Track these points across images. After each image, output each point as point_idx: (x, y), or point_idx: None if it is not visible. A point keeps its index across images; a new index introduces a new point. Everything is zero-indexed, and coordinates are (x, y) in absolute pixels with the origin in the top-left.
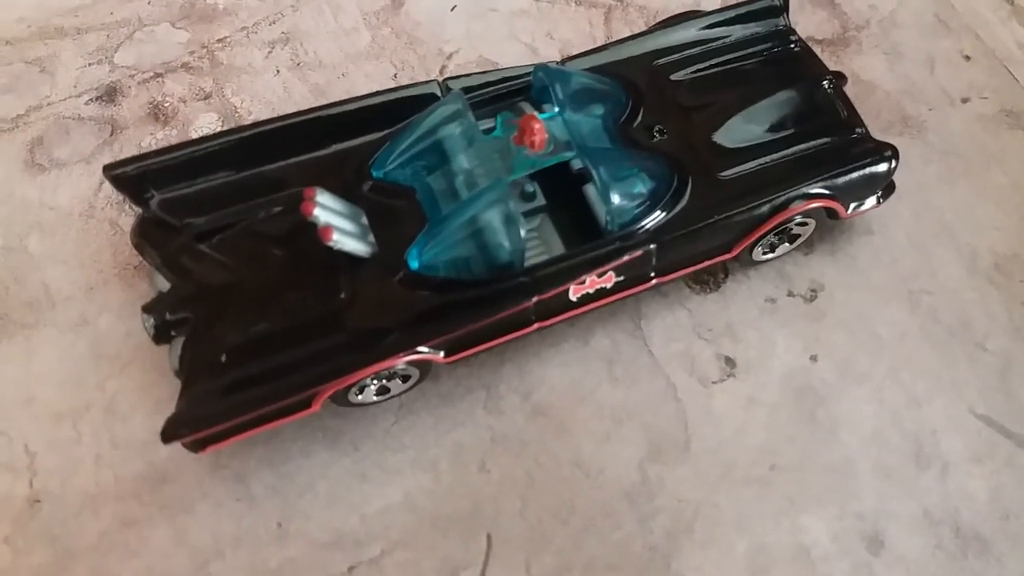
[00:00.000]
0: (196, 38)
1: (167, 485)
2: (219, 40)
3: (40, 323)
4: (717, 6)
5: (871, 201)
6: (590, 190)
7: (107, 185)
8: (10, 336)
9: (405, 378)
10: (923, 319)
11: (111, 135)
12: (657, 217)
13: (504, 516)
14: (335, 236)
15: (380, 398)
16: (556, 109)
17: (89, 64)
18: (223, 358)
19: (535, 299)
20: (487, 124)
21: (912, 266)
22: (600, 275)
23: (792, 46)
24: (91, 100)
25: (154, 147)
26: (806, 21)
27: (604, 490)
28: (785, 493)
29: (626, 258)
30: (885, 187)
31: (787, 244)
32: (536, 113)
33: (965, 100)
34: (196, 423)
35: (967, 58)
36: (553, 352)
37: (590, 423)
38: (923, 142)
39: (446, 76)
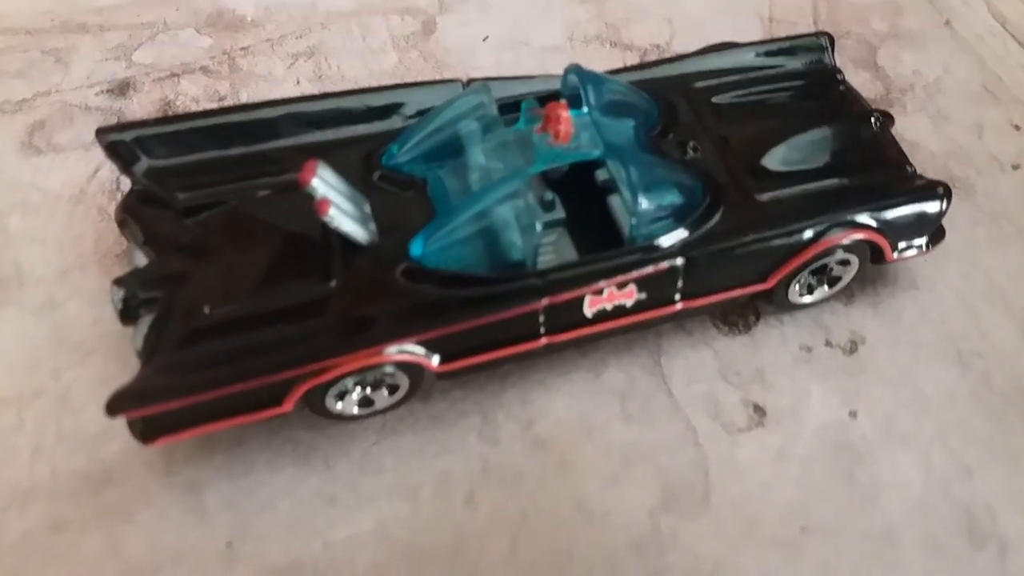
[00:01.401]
0: (219, 44)
1: (109, 487)
2: (242, 48)
3: (4, 302)
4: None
5: (919, 245)
6: (615, 201)
7: (102, 172)
8: None
9: (392, 389)
10: (974, 383)
11: None
12: (686, 231)
13: (490, 557)
14: (331, 211)
15: (362, 411)
16: (586, 109)
17: (106, 59)
18: (190, 335)
19: (546, 301)
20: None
21: (961, 326)
22: (620, 287)
23: (838, 84)
24: (102, 92)
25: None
26: (849, 80)
27: (608, 538)
28: (818, 558)
29: (650, 270)
30: (934, 232)
31: (826, 287)
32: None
33: (1016, 167)
34: (147, 397)
35: (1016, 128)
36: (561, 381)
37: (597, 462)
38: (971, 204)
39: (471, 78)
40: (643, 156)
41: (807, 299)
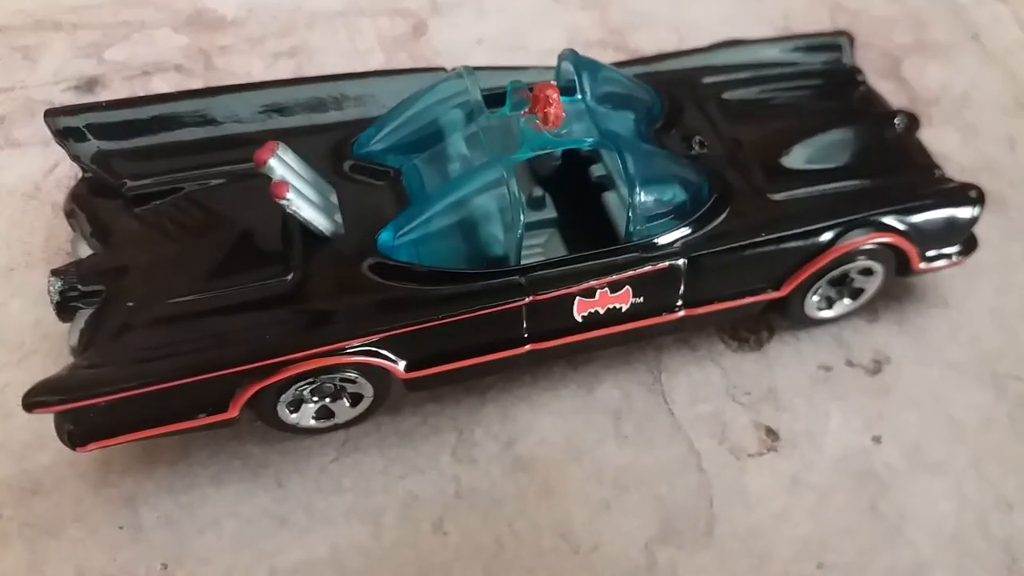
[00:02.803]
0: (195, 43)
1: (37, 498)
2: (220, 47)
3: None
4: None
5: (949, 254)
6: (610, 198)
7: (60, 168)
8: None
9: (355, 399)
10: (1012, 407)
11: None
12: (689, 229)
13: None
14: (289, 195)
15: (320, 423)
16: (580, 96)
17: (76, 57)
18: (127, 328)
19: (529, 300)
20: None
21: (996, 347)
22: (614, 289)
23: (858, 84)
24: (68, 88)
25: None
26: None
27: (596, 572)
28: None
29: (647, 269)
30: (966, 240)
31: (847, 300)
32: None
33: None
34: (69, 391)
35: None
36: (548, 397)
37: (586, 487)
38: (1005, 218)
39: (455, 66)
40: (642, 147)
41: (826, 313)
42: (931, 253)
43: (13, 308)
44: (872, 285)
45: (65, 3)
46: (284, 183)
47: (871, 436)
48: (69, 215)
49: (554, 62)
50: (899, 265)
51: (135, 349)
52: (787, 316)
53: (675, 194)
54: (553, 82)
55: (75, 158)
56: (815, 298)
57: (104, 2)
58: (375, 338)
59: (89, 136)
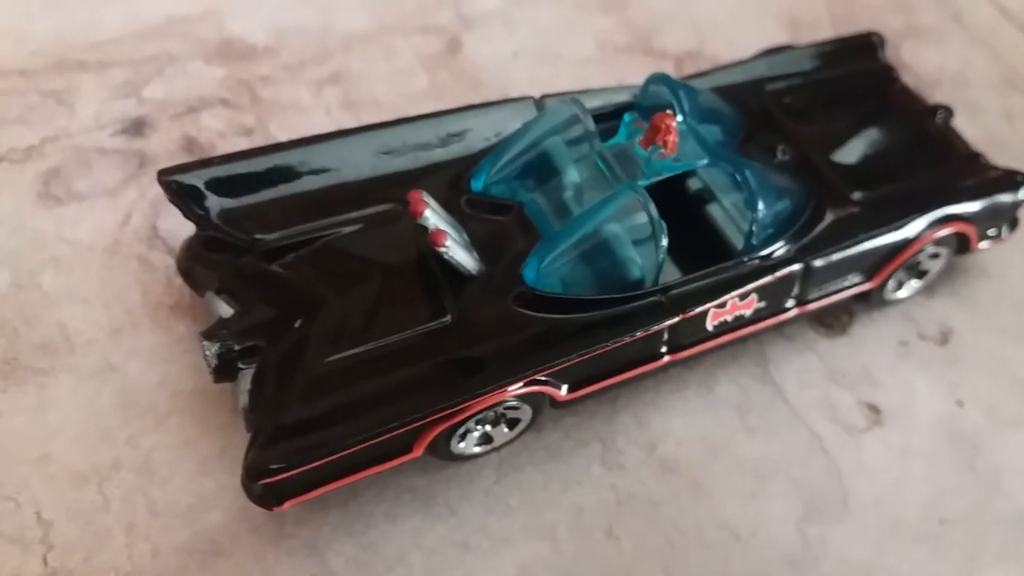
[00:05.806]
0: (233, 74)
1: (221, 560)
2: (261, 77)
3: (56, 369)
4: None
5: (998, 233)
6: (715, 210)
7: (134, 219)
8: (20, 383)
9: (512, 423)
10: None
11: (139, 168)
12: (800, 236)
13: None
14: (448, 242)
15: (481, 449)
16: (680, 118)
17: (114, 97)
18: (313, 386)
19: (679, 317)
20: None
21: None
22: (742, 298)
23: (895, 82)
24: (116, 133)
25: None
26: None
27: (760, 555)
28: (962, 550)
29: (775, 276)
30: (1011, 219)
31: (915, 281)
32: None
33: None
34: (291, 456)
35: None
36: (674, 400)
37: (730, 480)
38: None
39: (544, 94)
40: (751, 163)
41: (900, 294)
42: (987, 232)
43: (133, 371)
44: (937, 266)
45: (81, 41)
46: (443, 231)
47: (955, 401)
48: (186, 273)
49: (588, 70)
50: (959, 246)
51: (333, 408)
52: (868, 301)
53: (784, 203)
54: (670, 112)
55: (193, 216)
56: (891, 282)
57: (122, 37)
58: (549, 369)
59: (209, 194)
